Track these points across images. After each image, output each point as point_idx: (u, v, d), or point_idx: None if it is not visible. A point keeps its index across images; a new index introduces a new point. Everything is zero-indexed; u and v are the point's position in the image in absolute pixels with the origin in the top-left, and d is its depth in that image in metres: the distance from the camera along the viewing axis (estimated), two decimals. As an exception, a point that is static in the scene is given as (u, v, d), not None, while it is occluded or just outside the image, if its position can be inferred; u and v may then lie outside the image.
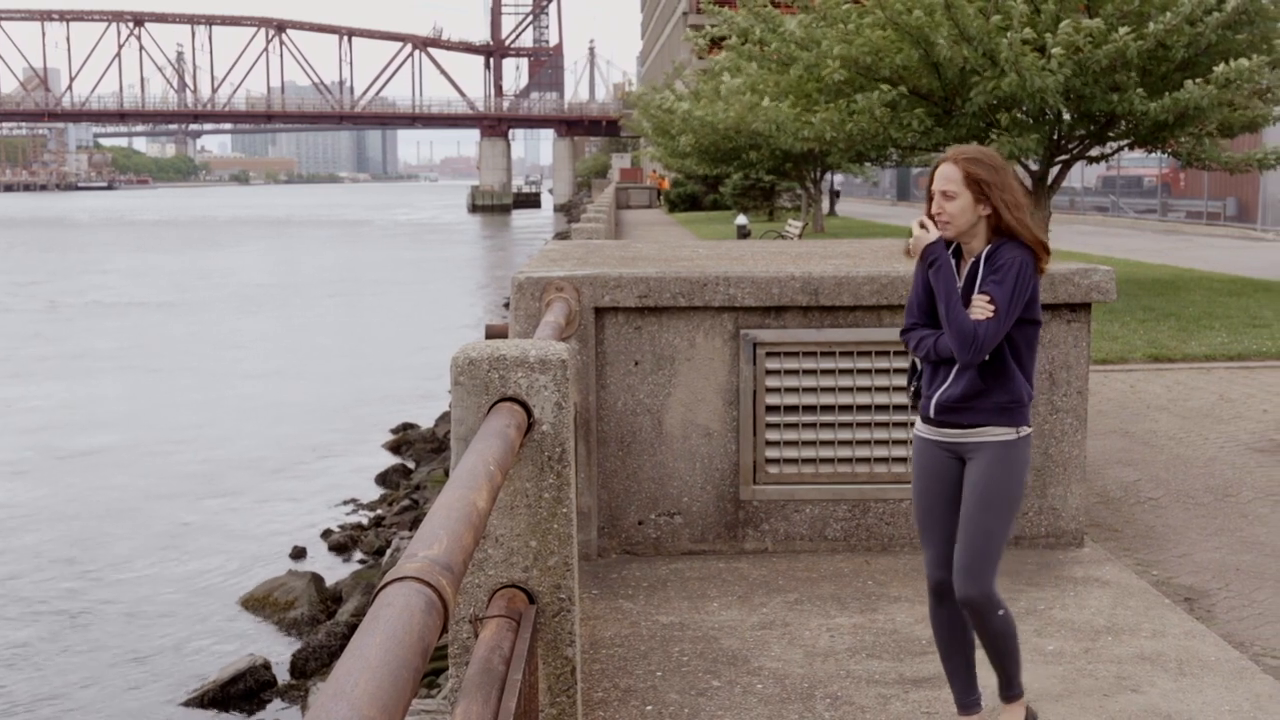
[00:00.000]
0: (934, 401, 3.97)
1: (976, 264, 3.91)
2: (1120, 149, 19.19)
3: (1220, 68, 14.80)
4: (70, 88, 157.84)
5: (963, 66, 16.01)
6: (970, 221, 3.88)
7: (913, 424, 6.23)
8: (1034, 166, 18.05)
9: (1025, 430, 3.93)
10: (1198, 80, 15.09)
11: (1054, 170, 18.32)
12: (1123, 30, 14.91)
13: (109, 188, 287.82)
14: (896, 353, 6.12)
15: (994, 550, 3.90)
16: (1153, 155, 22.53)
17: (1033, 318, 3.90)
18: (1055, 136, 17.47)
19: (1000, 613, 3.92)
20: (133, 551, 13.09)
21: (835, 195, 53.03)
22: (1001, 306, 3.78)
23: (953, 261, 3.94)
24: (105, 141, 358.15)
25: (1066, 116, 16.97)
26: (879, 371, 6.13)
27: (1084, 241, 28.57)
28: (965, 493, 3.93)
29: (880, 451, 6.18)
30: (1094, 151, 18.74)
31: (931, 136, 17.54)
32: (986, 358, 3.86)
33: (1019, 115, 16.62)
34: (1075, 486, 6.24)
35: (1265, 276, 20.19)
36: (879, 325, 6.11)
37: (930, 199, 3.93)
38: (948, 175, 3.88)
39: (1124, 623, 5.19)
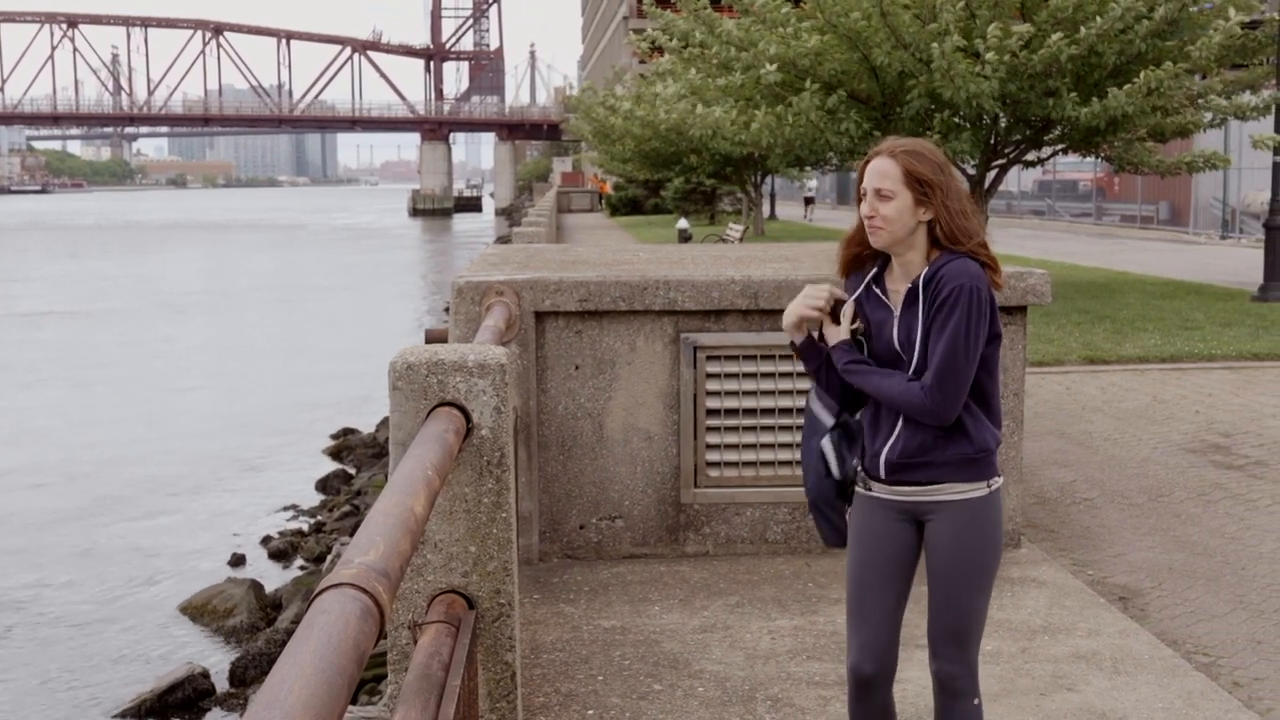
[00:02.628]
0: (881, 460, 3.30)
1: (915, 291, 3.23)
2: (1055, 153, 19.44)
3: (1144, 74, 15.04)
4: (2, 89, 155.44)
5: (900, 71, 16.14)
6: (908, 228, 3.20)
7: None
8: (971, 170, 18.22)
9: (996, 482, 3.28)
10: (1125, 87, 15.31)
11: (991, 174, 18.52)
12: (1056, 36, 15.10)
13: (42, 191, 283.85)
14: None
15: (977, 627, 3.30)
16: (1087, 159, 22.81)
17: (993, 332, 3.26)
18: (991, 140, 17.65)
19: (976, 701, 3.34)
20: (68, 562, 12.90)
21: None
22: (961, 356, 3.15)
23: (852, 349, 3.32)
24: (39, 144, 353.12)
25: (1002, 121, 17.17)
26: (818, 374, 6.17)
27: (1020, 245, 28.88)
28: (932, 564, 3.29)
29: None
30: (1030, 155, 18.96)
31: (869, 140, 17.65)
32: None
33: (955, 119, 16.78)
34: (1012, 488, 6.31)
35: (1197, 279, 20.51)
36: (818, 328, 6.14)
37: (860, 199, 3.28)
38: (884, 171, 3.21)
39: (1060, 622, 5.25)
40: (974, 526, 3.24)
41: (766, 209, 47.60)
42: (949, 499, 3.25)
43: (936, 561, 3.27)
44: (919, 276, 3.21)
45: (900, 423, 3.24)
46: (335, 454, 17.70)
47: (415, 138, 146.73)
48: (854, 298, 3.36)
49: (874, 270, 3.33)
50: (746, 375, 6.18)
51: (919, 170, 3.19)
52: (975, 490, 3.24)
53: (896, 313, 3.25)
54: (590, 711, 4.42)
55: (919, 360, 3.22)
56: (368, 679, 6.87)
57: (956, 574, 3.25)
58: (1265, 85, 17.29)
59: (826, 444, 3.40)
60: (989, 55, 15.11)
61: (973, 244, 3.22)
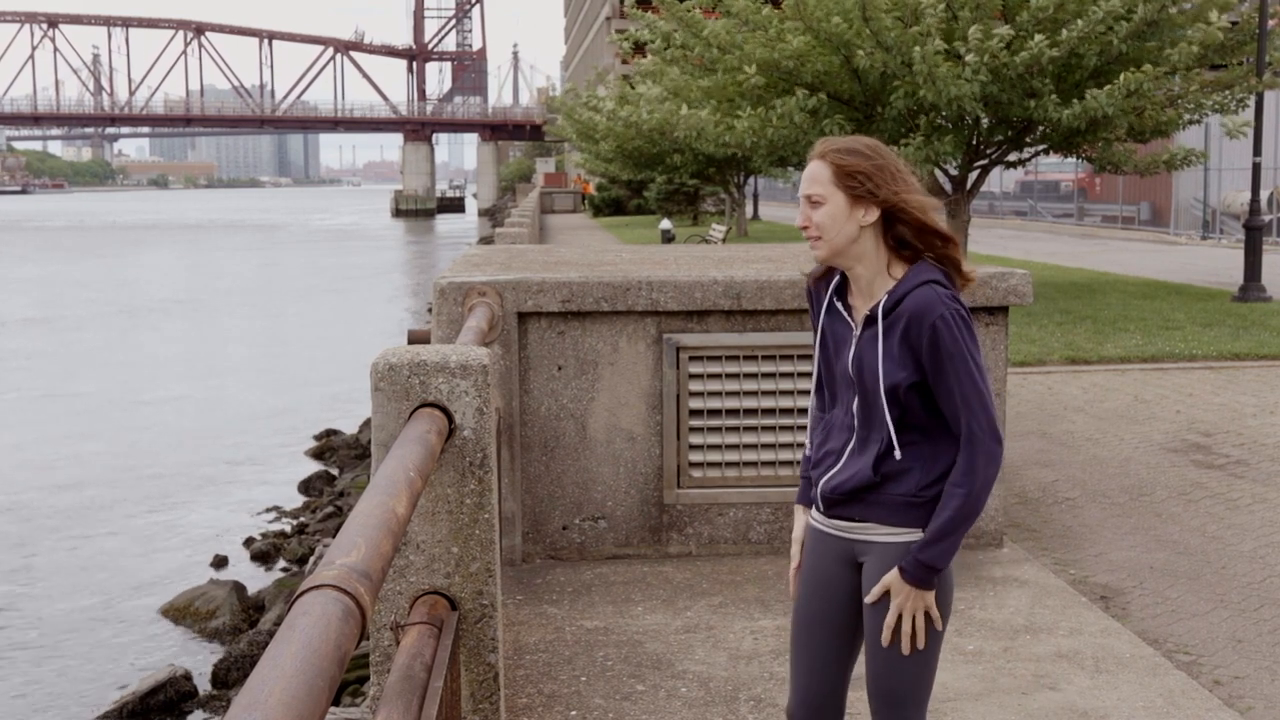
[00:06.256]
0: (819, 490, 3.02)
1: (874, 318, 2.88)
2: (1037, 154, 19.51)
3: (1124, 76, 15.11)
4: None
5: (882, 73, 16.18)
6: (849, 236, 2.84)
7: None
8: (953, 171, 18.28)
9: None
10: (1105, 88, 15.38)
11: (973, 175, 18.58)
12: (1038, 38, 15.15)
13: (23, 192, 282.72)
14: (818, 356, 6.16)
15: (916, 688, 2.95)
16: (1069, 160, 22.92)
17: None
18: (973, 141, 17.71)
19: None
20: (49, 565, 12.85)
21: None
22: (976, 389, 2.81)
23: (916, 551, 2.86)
24: (19, 145, 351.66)
25: (984, 122, 17.22)
26: (801, 375, 6.17)
27: (1003, 245, 28.97)
28: (866, 616, 2.97)
29: (802, 454, 6.22)
30: (1011, 156, 19.03)
31: (852, 141, 17.70)
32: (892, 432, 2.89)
33: (938, 120, 16.82)
34: (994, 488, 6.32)
35: (1177, 279, 20.61)
36: (801, 329, 6.15)
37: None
38: (813, 175, 2.88)
39: (1042, 622, 5.27)
40: None
41: (750, 209, 47.62)
42: (879, 540, 2.92)
43: (870, 611, 2.94)
44: (878, 304, 2.87)
45: (846, 453, 2.95)
46: (318, 455, 17.65)
47: (398, 138, 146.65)
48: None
49: (836, 281, 2.99)
50: (729, 376, 6.19)
51: (850, 163, 2.83)
52: (910, 535, 2.88)
53: (856, 332, 2.92)
54: (573, 712, 4.41)
55: (869, 393, 2.89)
56: (350, 680, 6.86)
57: (888, 624, 2.91)
58: (1242, 84, 17.38)
59: None
60: (970, 57, 15.15)
61: (942, 247, 2.87)
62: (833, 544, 3.00)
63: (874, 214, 2.84)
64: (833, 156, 2.85)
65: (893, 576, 2.87)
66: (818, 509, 3.04)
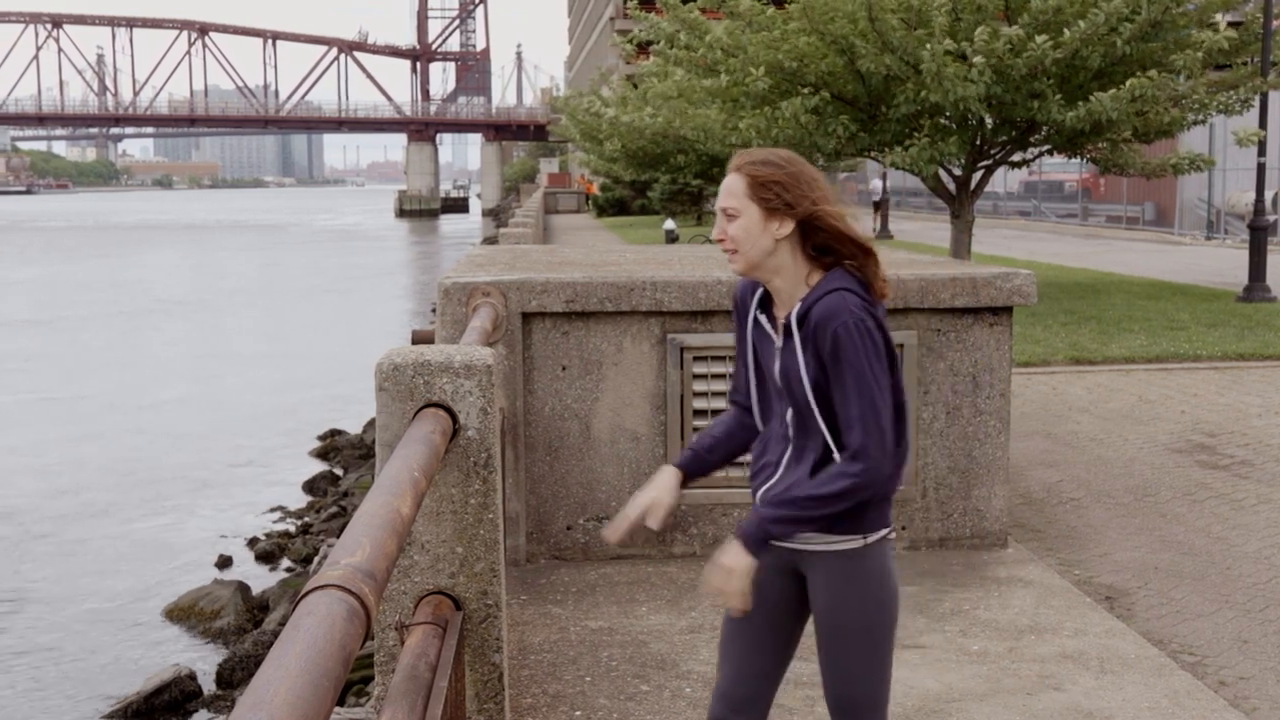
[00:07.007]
0: (757, 498, 2.99)
1: (789, 326, 2.87)
2: (1041, 154, 19.49)
3: (1130, 81, 15.08)
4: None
5: (886, 74, 16.16)
6: (765, 249, 2.83)
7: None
8: (957, 171, 18.26)
9: (876, 535, 2.91)
10: (1109, 93, 15.35)
11: (977, 175, 18.56)
12: (1040, 39, 15.13)
13: (28, 192, 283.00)
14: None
15: (871, 696, 2.96)
16: (1073, 161, 22.89)
17: (889, 356, 2.88)
18: (978, 142, 17.69)
19: None
20: (54, 564, 12.86)
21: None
22: (871, 401, 2.78)
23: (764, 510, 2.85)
24: (23, 145, 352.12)
25: (989, 123, 17.20)
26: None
27: (1007, 245, 28.96)
28: (815, 624, 2.99)
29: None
30: (1015, 157, 19.00)
31: (856, 142, 17.69)
32: (828, 440, 2.88)
33: (942, 121, 16.81)
34: (999, 488, 6.32)
35: (1182, 280, 20.58)
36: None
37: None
38: (728, 188, 2.86)
39: (1047, 622, 5.26)
40: (852, 583, 2.89)
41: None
42: (818, 549, 2.91)
43: (817, 622, 2.97)
44: (791, 313, 2.86)
45: (783, 464, 2.93)
46: (322, 455, 17.67)
47: (402, 138, 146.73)
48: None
49: (760, 294, 2.97)
50: (733, 376, 6.17)
51: (764, 174, 2.82)
52: (849, 542, 2.88)
53: (778, 344, 2.91)
54: (578, 712, 4.41)
55: (800, 403, 2.89)
56: (355, 680, 6.86)
57: (837, 635, 2.92)
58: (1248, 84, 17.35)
59: None
60: (977, 59, 15.13)
61: (859, 256, 2.85)
62: (773, 553, 2.95)
63: (789, 226, 2.83)
64: (747, 169, 2.84)
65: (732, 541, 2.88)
66: None
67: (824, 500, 2.79)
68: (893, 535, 2.96)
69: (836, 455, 2.86)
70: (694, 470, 3.09)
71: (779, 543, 2.91)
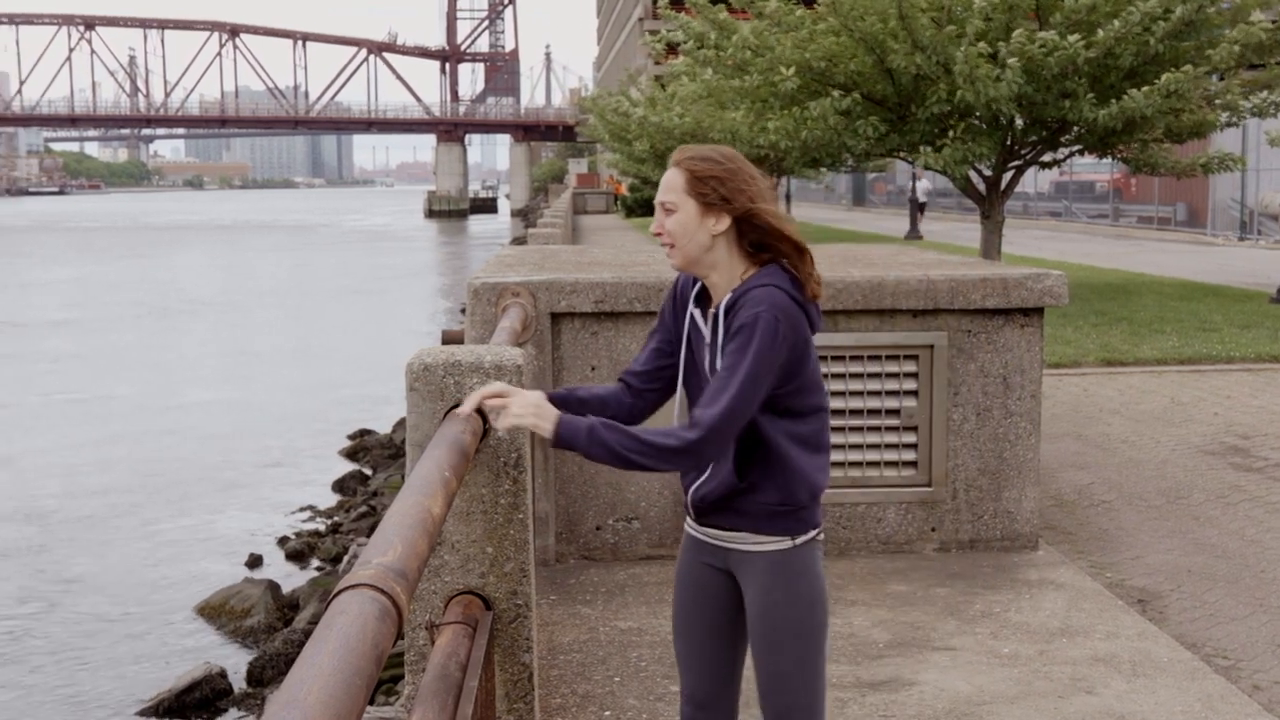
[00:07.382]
0: (689, 496, 3.00)
1: (717, 318, 2.88)
2: (1072, 154, 19.37)
3: (1165, 77, 14.98)
4: (20, 92, 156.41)
5: (916, 73, 16.10)
6: (702, 244, 2.83)
7: (871, 428, 6.28)
8: (987, 172, 18.18)
9: (805, 535, 2.92)
10: (1143, 89, 15.25)
11: (1007, 175, 18.45)
12: (1073, 38, 15.04)
13: (60, 192, 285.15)
14: (852, 357, 6.14)
15: (804, 699, 2.95)
16: (1104, 161, 22.74)
17: (797, 386, 2.85)
18: (1008, 142, 17.60)
19: None
20: (87, 561, 12.95)
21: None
22: (737, 392, 2.72)
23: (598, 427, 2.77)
24: (56, 146, 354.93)
25: (1019, 123, 17.11)
26: (835, 376, 6.15)
27: (1037, 246, 28.81)
28: (748, 627, 2.99)
29: (837, 455, 6.19)
30: (1046, 157, 18.89)
31: (886, 143, 17.62)
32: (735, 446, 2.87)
33: (973, 122, 16.72)
34: (1030, 490, 6.29)
35: (1215, 281, 20.43)
36: (834, 330, 6.13)
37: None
38: (667, 183, 2.86)
39: (1078, 625, 5.23)
40: (780, 584, 2.89)
41: (782, 209, 47.46)
42: (747, 549, 2.93)
43: (751, 628, 2.97)
44: (720, 305, 2.86)
45: (714, 461, 2.90)
46: (352, 455, 17.73)
47: (431, 139, 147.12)
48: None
49: (697, 289, 2.96)
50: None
51: (702, 169, 2.82)
52: (777, 543, 2.89)
53: (707, 338, 2.91)
54: (607, 712, 4.41)
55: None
56: (385, 679, 6.88)
57: (766, 636, 2.92)
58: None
59: None
60: (1012, 61, 15.05)
61: (793, 256, 2.84)
62: (707, 549, 3.01)
63: (725, 222, 2.83)
64: (686, 164, 2.84)
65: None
66: (690, 516, 3.05)
67: (647, 448, 2.72)
68: (821, 537, 2.97)
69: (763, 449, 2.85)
70: (560, 406, 2.92)
71: (711, 540, 2.98)
